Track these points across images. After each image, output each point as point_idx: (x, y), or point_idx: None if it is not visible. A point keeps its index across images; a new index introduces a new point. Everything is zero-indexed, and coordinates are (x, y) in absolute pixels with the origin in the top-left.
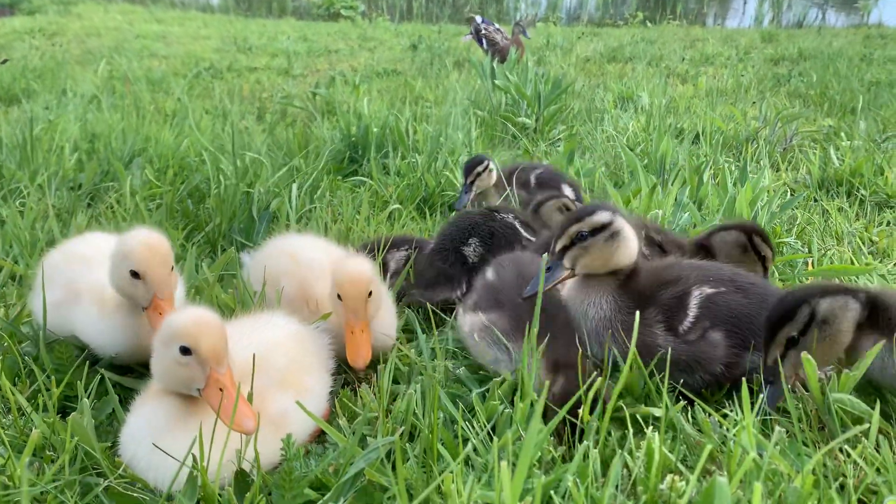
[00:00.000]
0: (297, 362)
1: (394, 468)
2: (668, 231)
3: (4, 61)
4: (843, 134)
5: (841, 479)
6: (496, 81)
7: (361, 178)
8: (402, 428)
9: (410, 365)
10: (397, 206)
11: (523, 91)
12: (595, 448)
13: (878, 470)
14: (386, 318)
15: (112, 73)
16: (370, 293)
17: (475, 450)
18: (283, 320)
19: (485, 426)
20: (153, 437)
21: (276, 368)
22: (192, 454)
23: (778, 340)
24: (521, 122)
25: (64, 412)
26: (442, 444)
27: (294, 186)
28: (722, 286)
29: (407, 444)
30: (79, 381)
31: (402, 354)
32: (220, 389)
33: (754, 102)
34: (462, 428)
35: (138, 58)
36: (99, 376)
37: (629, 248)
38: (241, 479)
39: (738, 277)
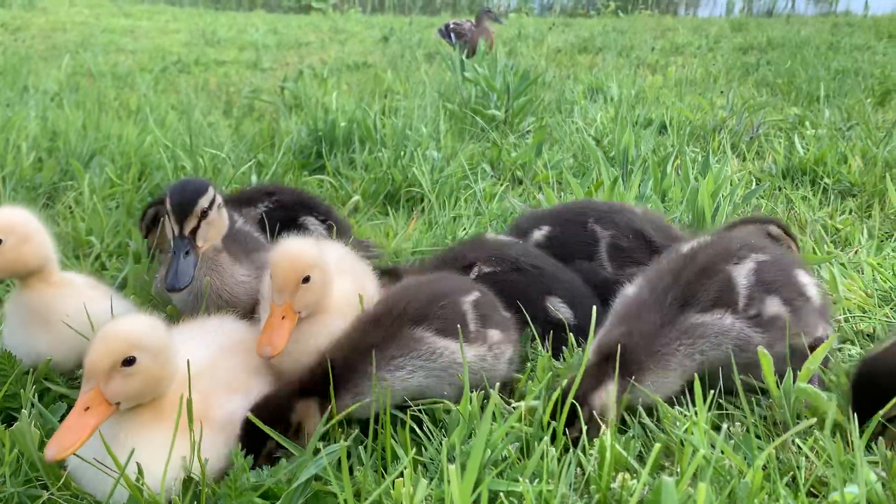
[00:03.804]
0: (245, 366)
1: (350, 473)
2: (671, 226)
3: None
4: (807, 122)
5: (793, 472)
6: (465, 74)
7: (324, 175)
8: (355, 432)
9: None
10: (357, 197)
11: (492, 83)
12: (552, 446)
13: (827, 462)
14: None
15: (76, 69)
16: (306, 278)
17: (424, 450)
18: (231, 325)
19: (435, 429)
20: (95, 449)
21: (224, 372)
22: (138, 464)
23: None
24: (491, 115)
25: (11, 423)
26: (398, 445)
27: (254, 180)
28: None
29: (360, 448)
30: (22, 390)
31: None
32: None
33: (722, 92)
34: (415, 431)
35: (104, 53)
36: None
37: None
38: (189, 490)
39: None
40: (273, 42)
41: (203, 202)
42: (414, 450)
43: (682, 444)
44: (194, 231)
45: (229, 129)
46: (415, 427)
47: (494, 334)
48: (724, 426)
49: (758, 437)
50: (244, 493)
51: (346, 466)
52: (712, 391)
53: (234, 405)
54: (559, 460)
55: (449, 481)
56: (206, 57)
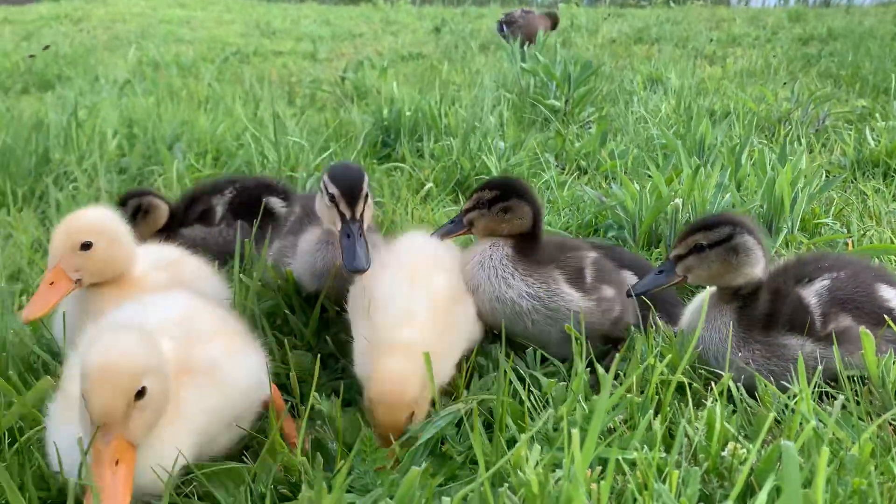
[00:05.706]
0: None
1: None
2: None
3: (46, 47)
4: (877, 114)
5: (892, 450)
6: (523, 64)
7: (396, 162)
8: (475, 403)
9: None
10: (430, 184)
11: (553, 72)
12: (657, 418)
13: None
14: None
15: (141, 59)
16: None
17: (532, 419)
18: None
19: (542, 400)
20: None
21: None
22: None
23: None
24: (550, 105)
25: None
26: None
27: None
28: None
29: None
30: None
31: None
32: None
33: (785, 83)
34: (527, 402)
35: (164, 43)
36: None
37: (753, 266)
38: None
39: None
40: (327, 33)
41: (366, 186)
42: (534, 421)
43: (790, 418)
44: (362, 214)
45: (294, 119)
46: (523, 397)
47: (608, 290)
48: (839, 398)
49: (860, 419)
50: (378, 450)
51: (477, 428)
52: (816, 367)
53: (215, 352)
54: (663, 431)
55: (569, 447)
56: (263, 48)
